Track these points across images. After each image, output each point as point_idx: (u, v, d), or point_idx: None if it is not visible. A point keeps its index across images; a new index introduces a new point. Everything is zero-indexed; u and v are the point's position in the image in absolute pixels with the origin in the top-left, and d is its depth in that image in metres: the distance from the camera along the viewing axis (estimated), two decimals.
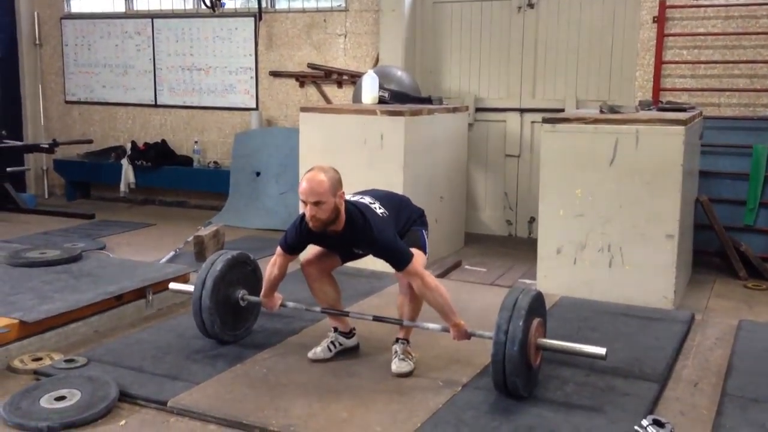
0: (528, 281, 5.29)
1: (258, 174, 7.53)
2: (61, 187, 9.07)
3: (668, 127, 4.68)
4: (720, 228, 5.65)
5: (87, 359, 3.75)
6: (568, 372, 3.64)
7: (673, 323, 4.44)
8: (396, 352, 3.71)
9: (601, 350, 3.34)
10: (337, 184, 3.43)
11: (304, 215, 3.49)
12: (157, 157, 8.20)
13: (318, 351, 3.82)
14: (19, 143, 8.40)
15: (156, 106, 8.52)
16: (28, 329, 3.92)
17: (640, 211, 4.75)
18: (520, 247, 6.58)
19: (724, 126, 5.86)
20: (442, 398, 3.38)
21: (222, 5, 7.97)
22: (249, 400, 3.33)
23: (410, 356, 3.71)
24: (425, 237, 3.80)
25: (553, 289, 4.91)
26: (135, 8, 8.57)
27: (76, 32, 8.79)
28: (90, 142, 8.53)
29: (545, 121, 5.05)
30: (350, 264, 3.97)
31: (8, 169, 8.05)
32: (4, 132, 8.13)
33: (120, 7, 8.62)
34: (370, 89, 5.93)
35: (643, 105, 5.44)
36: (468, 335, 3.53)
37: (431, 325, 3.64)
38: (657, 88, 6.04)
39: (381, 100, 5.94)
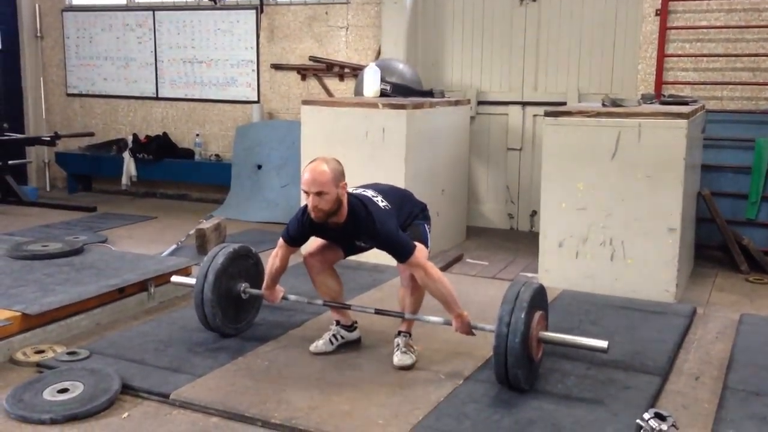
0: (530, 274, 5.29)
1: (259, 167, 7.53)
2: (62, 180, 9.07)
3: (670, 121, 4.67)
4: (722, 221, 5.64)
5: (89, 352, 3.75)
6: (570, 365, 3.65)
7: (674, 317, 4.44)
8: (398, 345, 3.72)
9: (603, 343, 3.35)
10: (339, 175, 3.43)
11: (306, 207, 3.50)
12: (158, 150, 8.19)
13: (320, 344, 3.83)
14: (20, 136, 8.40)
15: (157, 98, 8.51)
16: (30, 322, 3.93)
17: (642, 205, 4.74)
18: (521, 240, 6.58)
19: (727, 119, 5.85)
20: (443, 391, 3.39)
21: None
22: (251, 393, 3.33)
23: (412, 349, 3.72)
24: (427, 231, 3.80)
25: (554, 282, 4.90)
26: (136, 0, 8.55)
27: (77, 24, 8.78)
28: (91, 134, 8.53)
29: (547, 114, 5.04)
30: (352, 257, 3.97)
31: (10, 161, 8.05)
32: (5, 125, 8.12)
33: (121, 0, 8.61)
34: (371, 82, 5.92)
35: (646, 98, 5.43)
36: (470, 327, 3.53)
37: (433, 318, 3.65)
38: (659, 82, 6.03)
39: (383, 93, 5.93)
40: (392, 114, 5.48)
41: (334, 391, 3.37)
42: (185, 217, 7.30)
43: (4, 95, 8.39)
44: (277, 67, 7.80)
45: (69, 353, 3.73)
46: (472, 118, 6.85)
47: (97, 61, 8.75)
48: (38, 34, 8.97)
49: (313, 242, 3.80)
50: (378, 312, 3.80)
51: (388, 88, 5.99)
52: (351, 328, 3.92)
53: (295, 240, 3.69)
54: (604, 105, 5.04)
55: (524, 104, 6.89)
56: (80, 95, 8.94)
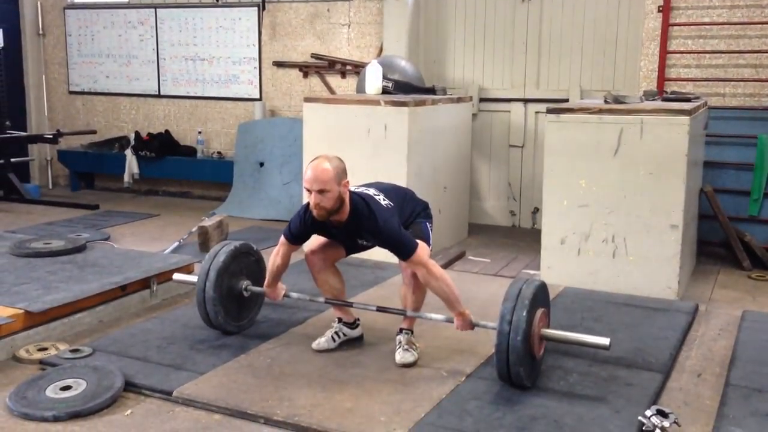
0: (532, 272, 5.29)
1: (262, 164, 7.53)
2: (65, 178, 9.08)
3: (673, 118, 4.66)
4: (724, 218, 5.64)
5: (92, 349, 3.76)
6: (572, 362, 3.65)
7: (676, 314, 4.44)
8: (400, 342, 3.72)
9: (605, 340, 3.34)
10: (341, 173, 3.43)
11: (308, 205, 3.50)
12: (160, 148, 8.20)
13: (322, 341, 3.83)
14: (23, 134, 8.42)
15: (159, 96, 8.51)
16: (33, 319, 3.94)
17: (645, 202, 4.74)
18: (523, 237, 6.58)
19: (729, 116, 5.84)
20: (445, 388, 3.39)
21: None
22: (253, 390, 3.34)
23: (414, 347, 3.72)
24: (429, 229, 3.80)
25: (556, 279, 4.90)
26: None
27: (79, 22, 8.78)
28: (93, 132, 8.53)
29: (549, 111, 5.03)
30: (354, 255, 3.97)
31: (12, 159, 8.06)
32: (8, 122, 8.13)
33: None
34: (373, 79, 5.92)
35: (648, 95, 5.42)
36: (472, 325, 3.53)
37: (435, 316, 3.65)
38: (662, 78, 6.02)
39: (385, 91, 5.93)
40: (394, 111, 5.48)
41: (337, 389, 3.38)
42: (187, 215, 7.30)
43: (7, 93, 8.39)
44: (279, 64, 7.80)
45: (72, 351, 3.74)
46: (474, 115, 6.84)
47: (99, 58, 8.76)
48: (40, 32, 8.97)
49: (315, 240, 3.81)
50: (380, 309, 3.81)
51: (390, 85, 5.98)
52: (353, 325, 3.92)
53: (297, 238, 3.69)
54: (606, 102, 5.04)
55: (526, 101, 6.88)
56: (82, 93, 8.95)
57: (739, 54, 5.85)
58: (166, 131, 8.40)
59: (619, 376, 3.52)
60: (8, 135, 8.02)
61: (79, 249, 5.21)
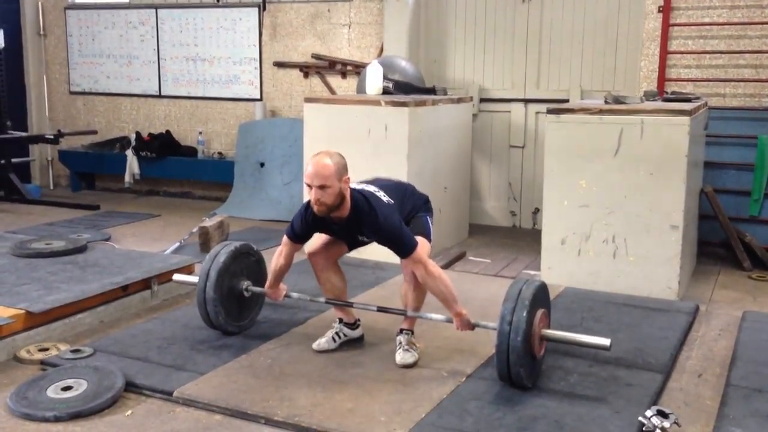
0: (532, 272, 5.30)
1: (262, 165, 7.53)
2: (65, 178, 9.09)
3: (673, 118, 4.67)
4: (724, 219, 5.64)
5: (93, 349, 3.77)
6: (572, 362, 3.65)
7: (677, 314, 4.44)
8: (400, 342, 3.72)
9: (605, 341, 3.35)
10: (342, 169, 3.43)
11: (309, 202, 3.50)
12: (161, 148, 8.20)
13: (322, 342, 3.84)
14: (23, 134, 8.42)
15: (160, 96, 8.52)
16: (34, 320, 3.94)
17: (645, 202, 4.74)
18: (524, 238, 6.58)
19: (729, 116, 5.84)
20: (446, 388, 3.40)
21: None
22: (254, 391, 3.34)
23: (414, 347, 3.73)
24: (430, 223, 3.81)
25: (557, 279, 4.91)
26: None
27: (80, 22, 8.79)
28: (94, 132, 8.54)
29: (550, 111, 5.04)
30: (355, 255, 3.97)
31: (13, 159, 8.06)
32: (8, 123, 8.13)
33: None
34: (374, 80, 5.92)
35: (648, 95, 5.42)
36: (471, 325, 3.53)
37: (435, 316, 3.65)
38: (662, 79, 6.02)
39: (385, 91, 5.93)
40: (395, 111, 5.48)
41: (337, 389, 3.38)
42: (188, 215, 7.31)
43: (8, 93, 8.39)
44: (279, 64, 7.80)
45: (72, 351, 3.74)
46: (475, 115, 6.85)
47: (99, 59, 8.76)
48: (41, 32, 8.98)
49: (317, 239, 3.81)
50: (380, 310, 3.81)
51: (390, 85, 5.99)
52: (354, 325, 3.93)
53: (299, 236, 3.69)
54: (606, 102, 5.04)
55: (526, 101, 6.88)
56: (83, 93, 8.95)
57: (740, 54, 5.85)
58: (167, 131, 8.41)
59: (620, 377, 3.52)
60: (9, 135, 8.02)
61: (80, 249, 5.22)
